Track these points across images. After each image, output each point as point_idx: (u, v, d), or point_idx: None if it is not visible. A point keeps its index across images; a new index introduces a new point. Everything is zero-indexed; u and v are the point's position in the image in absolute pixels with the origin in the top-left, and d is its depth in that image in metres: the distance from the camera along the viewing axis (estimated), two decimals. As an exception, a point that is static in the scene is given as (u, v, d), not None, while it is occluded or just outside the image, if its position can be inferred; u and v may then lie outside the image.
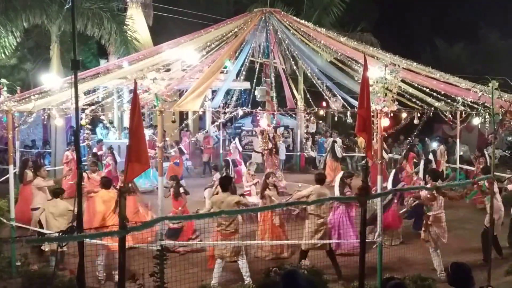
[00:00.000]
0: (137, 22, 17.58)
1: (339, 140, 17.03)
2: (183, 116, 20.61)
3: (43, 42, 17.80)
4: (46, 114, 12.06)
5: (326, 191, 8.44)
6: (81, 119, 11.42)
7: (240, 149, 17.76)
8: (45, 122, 14.77)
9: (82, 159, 9.95)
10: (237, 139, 18.44)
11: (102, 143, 16.05)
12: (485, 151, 14.24)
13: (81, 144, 11.85)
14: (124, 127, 20.18)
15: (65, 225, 8.47)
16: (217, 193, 9.05)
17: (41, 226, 8.79)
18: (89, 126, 13.16)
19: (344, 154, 19.04)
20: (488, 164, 11.95)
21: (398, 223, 9.91)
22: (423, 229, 8.44)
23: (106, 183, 8.89)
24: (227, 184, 8.24)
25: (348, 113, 12.48)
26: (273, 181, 9.18)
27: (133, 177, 5.16)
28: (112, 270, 8.13)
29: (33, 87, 15.49)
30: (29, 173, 10.95)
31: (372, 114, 6.66)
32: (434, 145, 15.74)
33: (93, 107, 12.50)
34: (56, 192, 8.90)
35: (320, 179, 8.61)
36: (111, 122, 19.05)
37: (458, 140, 14.50)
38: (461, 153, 14.75)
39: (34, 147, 19.82)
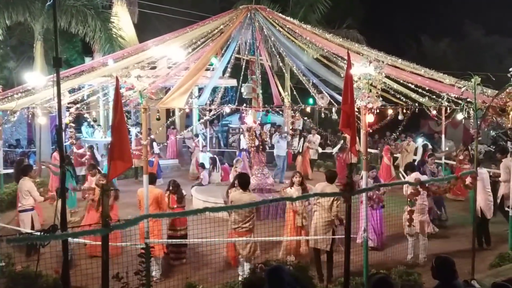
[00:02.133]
0: (122, 20, 17.49)
1: (315, 137, 17.27)
2: (169, 113, 20.53)
3: (27, 40, 17.65)
4: (30, 113, 11.92)
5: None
6: (65, 117, 11.29)
7: (201, 147, 17.58)
8: (29, 121, 14.55)
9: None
10: (200, 137, 18.25)
11: (80, 141, 15.57)
12: (469, 146, 14.39)
13: (65, 143, 11.74)
14: (110, 125, 20.04)
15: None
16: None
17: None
18: (73, 125, 13.02)
19: (331, 151, 19.17)
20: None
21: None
22: (407, 224, 8.52)
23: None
24: (246, 182, 8.13)
25: (333, 110, 12.52)
26: (298, 181, 8.93)
27: (115, 175, 5.14)
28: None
29: (16, 85, 15.30)
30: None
31: (356, 110, 6.68)
32: (419, 141, 15.86)
33: (77, 105, 12.38)
34: None
35: (331, 177, 8.40)
36: (95, 120, 18.89)
37: (443, 136, 14.61)
38: (447, 149, 14.85)
39: (19, 146, 19.62)
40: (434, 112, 12.65)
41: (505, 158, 9.99)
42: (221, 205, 11.18)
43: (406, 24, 31.10)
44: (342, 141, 11.89)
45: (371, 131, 9.23)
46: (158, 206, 8.50)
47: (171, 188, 9.25)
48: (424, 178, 9.09)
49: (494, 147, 18.62)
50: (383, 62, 8.09)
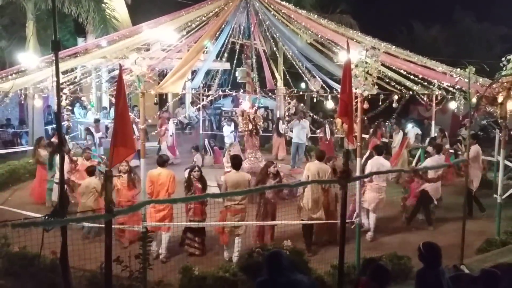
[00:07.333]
0: (116, 1, 17.26)
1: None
2: (162, 97, 20.45)
3: (19, 19, 17.32)
4: (23, 94, 11.83)
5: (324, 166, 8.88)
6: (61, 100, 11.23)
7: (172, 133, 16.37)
8: (22, 102, 14.42)
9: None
10: (171, 122, 16.73)
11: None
12: (458, 132, 14.61)
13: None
14: (103, 107, 19.94)
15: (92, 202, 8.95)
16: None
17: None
18: (70, 108, 12.95)
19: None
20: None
21: None
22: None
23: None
24: (239, 163, 8.46)
25: (329, 96, 12.58)
26: (275, 170, 8.87)
27: (118, 161, 5.19)
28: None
29: (8, 65, 15.13)
30: (42, 152, 11.13)
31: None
32: (409, 126, 15.96)
33: (71, 87, 12.29)
34: (91, 171, 9.25)
35: (321, 156, 9.07)
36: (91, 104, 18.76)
37: (433, 122, 14.73)
38: (435, 134, 14.99)
39: (10, 126, 19.43)
40: (426, 100, 12.81)
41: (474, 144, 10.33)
42: (215, 187, 11.37)
43: (397, 9, 30.99)
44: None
45: (365, 118, 9.42)
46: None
47: (195, 175, 8.69)
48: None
49: (482, 133, 18.88)
50: (379, 50, 8.18)
